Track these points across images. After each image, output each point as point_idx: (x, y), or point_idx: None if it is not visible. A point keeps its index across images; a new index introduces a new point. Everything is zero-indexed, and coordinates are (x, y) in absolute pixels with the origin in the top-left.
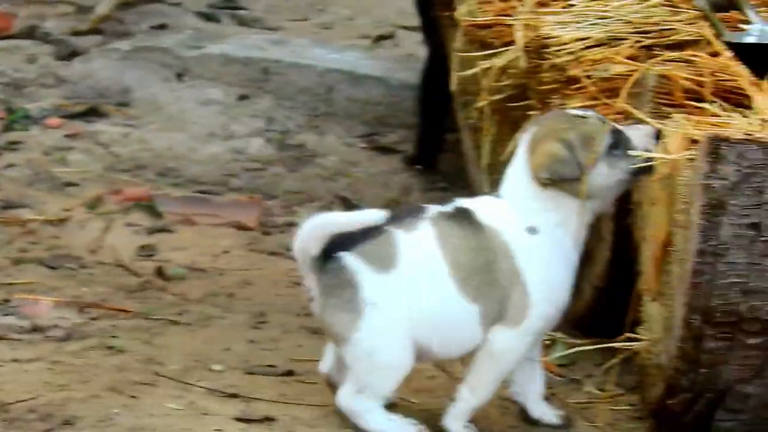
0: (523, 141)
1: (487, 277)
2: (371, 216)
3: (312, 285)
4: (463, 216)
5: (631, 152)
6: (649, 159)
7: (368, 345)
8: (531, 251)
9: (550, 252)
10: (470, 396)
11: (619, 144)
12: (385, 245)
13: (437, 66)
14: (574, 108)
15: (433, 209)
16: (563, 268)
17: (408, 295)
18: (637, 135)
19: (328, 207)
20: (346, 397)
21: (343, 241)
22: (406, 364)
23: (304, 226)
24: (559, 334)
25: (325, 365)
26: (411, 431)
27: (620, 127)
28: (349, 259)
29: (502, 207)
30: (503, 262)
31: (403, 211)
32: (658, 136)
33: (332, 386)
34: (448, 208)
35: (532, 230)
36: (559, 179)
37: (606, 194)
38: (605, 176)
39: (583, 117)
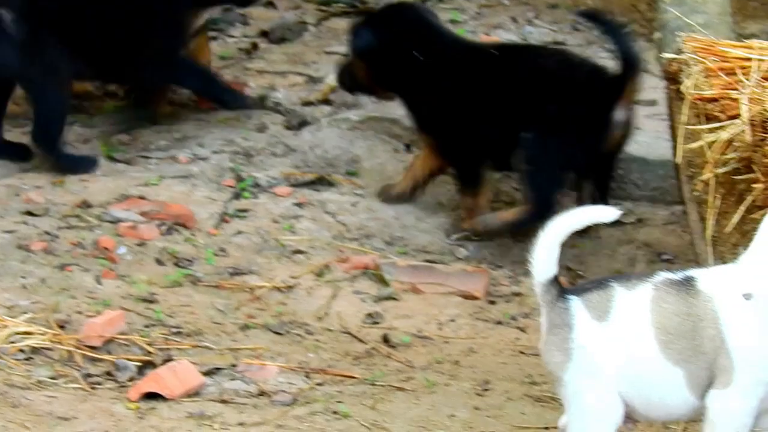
0: None
1: (692, 342)
2: (601, 212)
3: (543, 320)
4: (686, 283)
5: None
6: None
7: (575, 387)
8: (740, 318)
9: (764, 319)
10: None
11: None
12: (605, 297)
13: None
14: None
15: (662, 275)
16: None
17: (615, 348)
18: None
19: None
20: None
21: (576, 288)
22: (614, 411)
23: (541, 235)
24: None
25: (561, 420)
26: None
27: None
28: (573, 301)
29: (729, 275)
30: (709, 329)
31: (635, 273)
32: None
33: None
34: (677, 275)
35: (747, 296)
36: None
37: None
38: None
39: None
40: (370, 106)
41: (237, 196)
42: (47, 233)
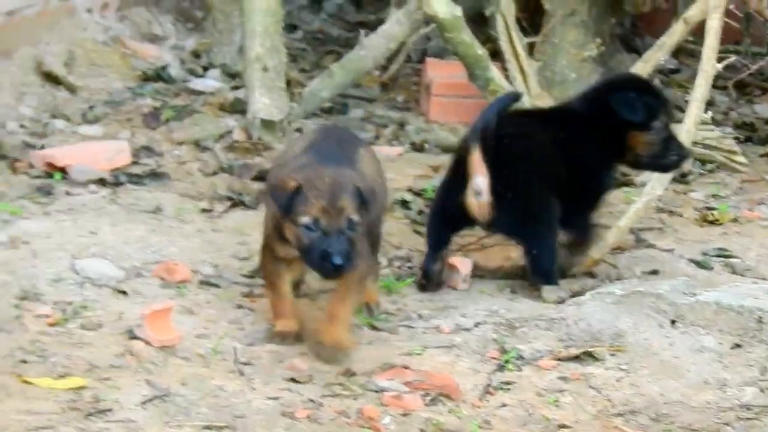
0: None
1: None
2: None
3: None
4: None
5: None
6: None
7: None
8: None
9: None
10: None
11: None
12: None
13: None
14: None
15: None
16: None
17: None
18: None
19: None
20: None
21: None
22: None
23: None
24: None
25: None
26: None
27: None
28: None
29: None
30: None
31: None
32: None
33: None
34: None
35: None
36: None
37: None
38: None
39: None
40: (634, 280)
41: (501, 368)
42: (311, 401)
